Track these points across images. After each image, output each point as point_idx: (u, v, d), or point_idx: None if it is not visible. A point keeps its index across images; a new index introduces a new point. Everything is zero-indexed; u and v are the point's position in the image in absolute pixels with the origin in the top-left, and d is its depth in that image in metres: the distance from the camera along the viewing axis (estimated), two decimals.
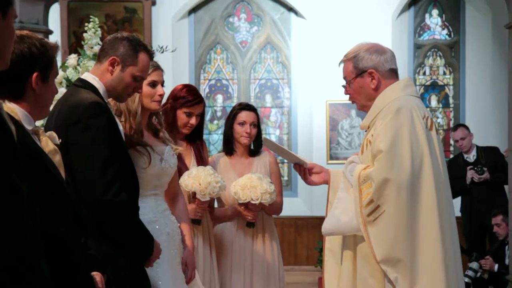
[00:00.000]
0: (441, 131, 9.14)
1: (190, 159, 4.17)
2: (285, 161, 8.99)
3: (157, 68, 3.47)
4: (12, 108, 2.29)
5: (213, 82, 9.44)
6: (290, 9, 9.20)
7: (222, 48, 9.41)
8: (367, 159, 3.15)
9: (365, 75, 3.22)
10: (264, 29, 9.33)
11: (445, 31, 9.41)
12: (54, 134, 2.50)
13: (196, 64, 9.32)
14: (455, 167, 7.31)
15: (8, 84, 2.29)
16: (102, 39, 4.04)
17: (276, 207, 4.31)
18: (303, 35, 9.11)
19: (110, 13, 8.54)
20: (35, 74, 2.32)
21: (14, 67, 2.15)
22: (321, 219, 3.40)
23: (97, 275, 2.43)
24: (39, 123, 2.75)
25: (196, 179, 3.93)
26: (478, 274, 6.92)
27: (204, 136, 4.57)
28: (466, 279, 6.69)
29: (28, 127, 2.32)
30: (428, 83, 9.45)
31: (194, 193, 3.96)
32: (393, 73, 3.26)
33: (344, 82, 3.32)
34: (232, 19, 9.38)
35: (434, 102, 9.44)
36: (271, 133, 9.36)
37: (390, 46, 6.73)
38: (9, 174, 1.63)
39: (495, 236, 7.13)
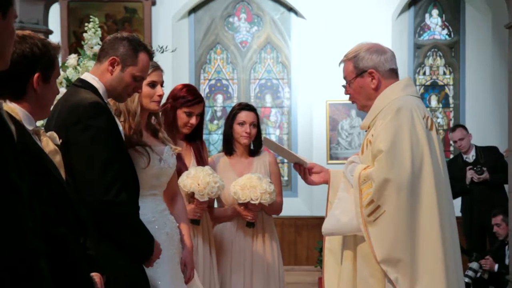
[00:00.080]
0: (441, 131, 9.14)
1: (190, 159, 4.17)
2: (285, 161, 9.00)
3: (157, 68, 3.47)
4: (13, 108, 2.28)
5: (213, 82, 9.44)
6: (290, 9, 9.20)
7: (222, 48, 9.41)
8: (367, 159, 3.15)
9: (365, 75, 3.22)
10: (264, 29, 9.33)
11: (445, 31, 9.41)
12: (55, 135, 2.50)
13: (196, 64, 9.32)
14: (455, 167, 7.30)
15: (9, 84, 2.28)
16: (102, 39, 4.04)
17: (276, 207, 4.31)
18: (303, 35, 9.11)
19: (110, 13, 8.54)
20: (36, 75, 2.31)
21: (15, 67, 2.15)
22: (321, 219, 3.40)
23: (96, 276, 2.43)
24: (39, 123, 2.75)
25: (194, 179, 3.93)
26: (478, 274, 6.92)
27: (204, 136, 4.58)
28: (466, 279, 6.69)
29: (29, 127, 2.32)
30: (428, 83, 9.46)
31: (193, 193, 3.96)
32: (393, 73, 3.26)
33: (344, 82, 3.32)
34: (232, 19, 9.38)
35: (434, 102, 9.44)
36: (271, 133, 9.36)
37: (390, 46, 6.72)
38: (9, 174, 1.63)
39: (495, 236, 7.13)
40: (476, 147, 7.65)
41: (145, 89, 3.34)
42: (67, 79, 4.33)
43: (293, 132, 9.28)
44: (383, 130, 3.07)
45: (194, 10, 9.23)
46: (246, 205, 4.16)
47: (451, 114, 9.43)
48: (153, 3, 8.71)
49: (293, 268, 8.42)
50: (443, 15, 9.39)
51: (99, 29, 4.49)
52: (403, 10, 9.13)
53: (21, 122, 2.26)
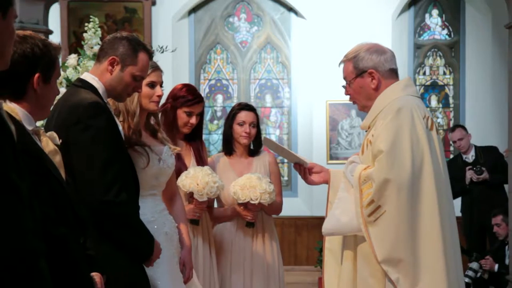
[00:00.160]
0: (441, 131, 9.14)
1: (190, 159, 4.17)
2: (285, 161, 9.00)
3: (156, 68, 3.47)
4: (13, 108, 2.28)
5: (213, 82, 9.44)
6: (290, 9, 9.20)
7: (222, 48, 9.41)
8: (368, 159, 3.15)
9: (365, 75, 3.22)
10: (264, 29, 9.33)
11: (445, 31, 9.41)
12: (55, 135, 2.50)
13: (196, 64, 9.32)
14: (454, 167, 7.30)
15: (9, 84, 2.28)
16: (102, 39, 4.04)
17: (276, 207, 4.31)
18: (303, 35, 9.11)
19: (110, 13, 8.53)
20: (36, 75, 2.31)
21: (16, 67, 2.15)
22: (321, 219, 3.40)
23: (96, 276, 2.43)
24: (39, 123, 2.75)
25: (193, 179, 3.93)
26: (478, 274, 6.92)
27: (204, 136, 4.58)
28: (466, 279, 6.69)
29: (29, 127, 2.32)
30: (428, 83, 9.46)
31: (192, 193, 3.96)
32: (393, 73, 3.26)
33: (344, 83, 3.32)
34: (232, 19, 9.38)
35: (434, 102, 9.44)
36: (271, 133, 9.36)
37: (390, 46, 6.73)
38: (9, 174, 1.63)
39: (495, 236, 7.13)
40: (476, 147, 7.65)
41: (144, 89, 3.33)
42: (67, 79, 4.33)
43: (293, 132, 9.28)
44: (383, 130, 3.06)
45: (194, 10, 9.23)
46: (246, 205, 4.16)
47: (451, 114, 9.43)
48: (153, 3, 8.71)
49: (293, 268, 8.42)
50: (443, 15, 9.39)
51: (99, 29, 4.49)
52: (403, 10, 9.13)
53: (21, 122, 2.26)
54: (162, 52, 4.52)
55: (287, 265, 6.43)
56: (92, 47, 4.40)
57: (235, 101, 9.03)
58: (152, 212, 3.35)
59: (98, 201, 2.80)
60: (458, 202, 7.41)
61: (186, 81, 8.03)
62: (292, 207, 8.25)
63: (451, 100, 9.44)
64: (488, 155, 7.55)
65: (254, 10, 9.35)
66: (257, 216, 4.23)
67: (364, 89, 3.23)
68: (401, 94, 3.18)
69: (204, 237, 4.13)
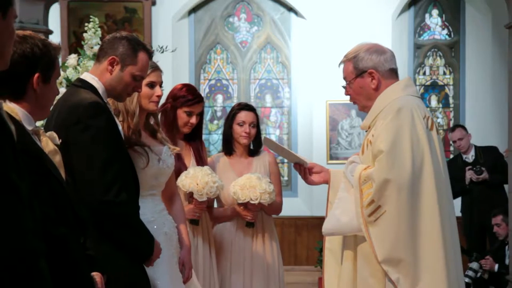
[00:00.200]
0: (441, 131, 9.14)
1: (190, 159, 4.17)
2: (285, 161, 9.00)
3: (156, 69, 3.47)
4: (13, 108, 2.28)
5: (213, 82, 9.44)
6: (290, 9, 9.20)
7: (222, 48, 9.41)
8: (368, 159, 3.15)
9: (365, 75, 3.22)
10: (264, 29, 9.33)
11: (445, 31, 9.41)
12: (55, 135, 2.50)
13: (196, 64, 9.32)
14: (454, 167, 7.30)
15: (9, 84, 2.28)
16: (102, 39, 4.04)
17: (276, 207, 4.31)
18: (303, 35, 9.11)
19: (110, 13, 8.53)
20: (36, 75, 2.31)
21: (15, 67, 2.15)
22: (321, 219, 3.40)
23: (97, 276, 2.43)
24: (39, 123, 2.75)
25: (193, 179, 3.93)
26: (478, 274, 6.92)
27: (204, 136, 4.59)
28: (467, 279, 6.69)
29: (29, 127, 2.32)
30: (428, 83, 9.46)
31: (192, 193, 3.96)
32: (393, 73, 3.26)
33: (344, 83, 3.32)
34: (232, 19, 9.38)
35: (434, 102, 9.44)
36: (271, 133, 9.36)
37: (390, 46, 6.73)
38: (9, 174, 1.63)
39: (495, 236, 7.13)
40: (476, 147, 7.65)
41: (144, 89, 3.33)
42: (67, 79, 4.33)
43: (293, 132, 9.28)
44: (383, 130, 3.06)
45: (194, 10, 9.23)
46: (246, 205, 4.16)
47: (451, 114, 9.43)
48: (153, 3, 8.71)
49: (293, 268, 8.42)
50: (443, 15, 9.39)
51: (99, 29, 4.49)
52: (403, 10, 9.13)
53: (20, 122, 2.26)
54: (162, 52, 4.53)
55: (287, 265, 6.43)
56: (92, 47, 4.40)
57: (235, 101, 9.03)
58: (151, 212, 3.35)
59: (98, 201, 2.80)
60: (458, 202, 7.41)
61: (186, 81, 8.03)
62: (292, 207, 8.25)
63: (451, 100, 9.44)
64: (488, 155, 7.55)
65: (254, 10, 9.35)
66: (257, 216, 4.23)
67: (364, 89, 3.23)
68: (401, 94, 3.18)
69: (204, 237, 4.13)
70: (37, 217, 1.77)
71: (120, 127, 3.09)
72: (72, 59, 4.42)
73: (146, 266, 3.02)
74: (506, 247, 6.87)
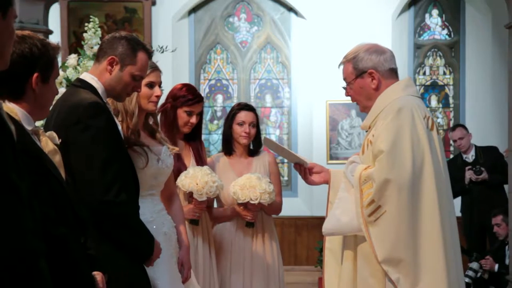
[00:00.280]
0: (441, 131, 9.14)
1: (189, 159, 4.17)
2: (285, 161, 9.00)
3: (155, 69, 3.47)
4: (12, 108, 2.28)
5: (213, 82, 9.44)
6: (290, 9, 9.20)
7: (222, 48, 9.41)
8: (368, 159, 3.15)
9: (365, 75, 3.21)
10: (264, 29, 9.33)
11: (445, 31, 9.41)
12: (54, 134, 2.50)
13: (196, 64, 9.32)
14: (454, 167, 7.29)
15: (8, 84, 2.28)
16: (102, 39, 4.04)
17: (276, 207, 4.31)
18: (303, 35, 9.11)
19: (110, 13, 8.53)
20: (35, 75, 2.31)
21: (14, 67, 2.15)
22: (321, 219, 3.40)
23: (98, 275, 2.43)
24: (38, 123, 2.75)
25: (193, 179, 3.93)
26: (479, 274, 6.92)
27: (204, 136, 4.58)
28: (467, 279, 6.69)
29: (28, 127, 2.32)
30: (428, 83, 9.45)
31: (191, 193, 3.96)
32: (393, 73, 3.26)
33: (344, 84, 3.32)
34: (232, 19, 9.38)
35: (434, 102, 9.44)
36: (271, 133, 9.36)
37: (390, 46, 6.73)
38: (9, 174, 1.63)
39: (495, 236, 7.13)
40: (476, 147, 7.65)
41: (143, 89, 3.33)
42: (67, 79, 4.33)
43: (293, 132, 9.28)
44: (384, 130, 3.06)
45: (194, 10, 9.23)
46: (246, 205, 4.16)
47: (451, 114, 9.43)
48: (153, 3, 8.71)
49: (293, 268, 8.41)
50: (443, 15, 9.39)
51: (99, 29, 4.49)
52: (403, 10, 9.13)
53: (20, 122, 2.26)
54: (162, 52, 4.53)
55: (287, 265, 6.43)
56: (92, 47, 4.40)
57: (235, 101, 9.03)
58: (151, 212, 3.35)
59: (98, 201, 2.80)
60: (458, 202, 7.41)
61: (186, 81, 8.02)
62: (292, 207, 8.25)
63: (451, 100, 9.44)
64: (488, 155, 7.55)
65: (254, 10, 9.35)
66: (257, 216, 4.23)
67: (365, 89, 3.23)
68: (402, 94, 3.18)
69: (204, 237, 4.13)
70: (37, 217, 1.77)
71: (119, 127, 3.09)
72: (72, 59, 4.42)
73: (146, 266, 3.03)
74: (506, 247, 6.87)
